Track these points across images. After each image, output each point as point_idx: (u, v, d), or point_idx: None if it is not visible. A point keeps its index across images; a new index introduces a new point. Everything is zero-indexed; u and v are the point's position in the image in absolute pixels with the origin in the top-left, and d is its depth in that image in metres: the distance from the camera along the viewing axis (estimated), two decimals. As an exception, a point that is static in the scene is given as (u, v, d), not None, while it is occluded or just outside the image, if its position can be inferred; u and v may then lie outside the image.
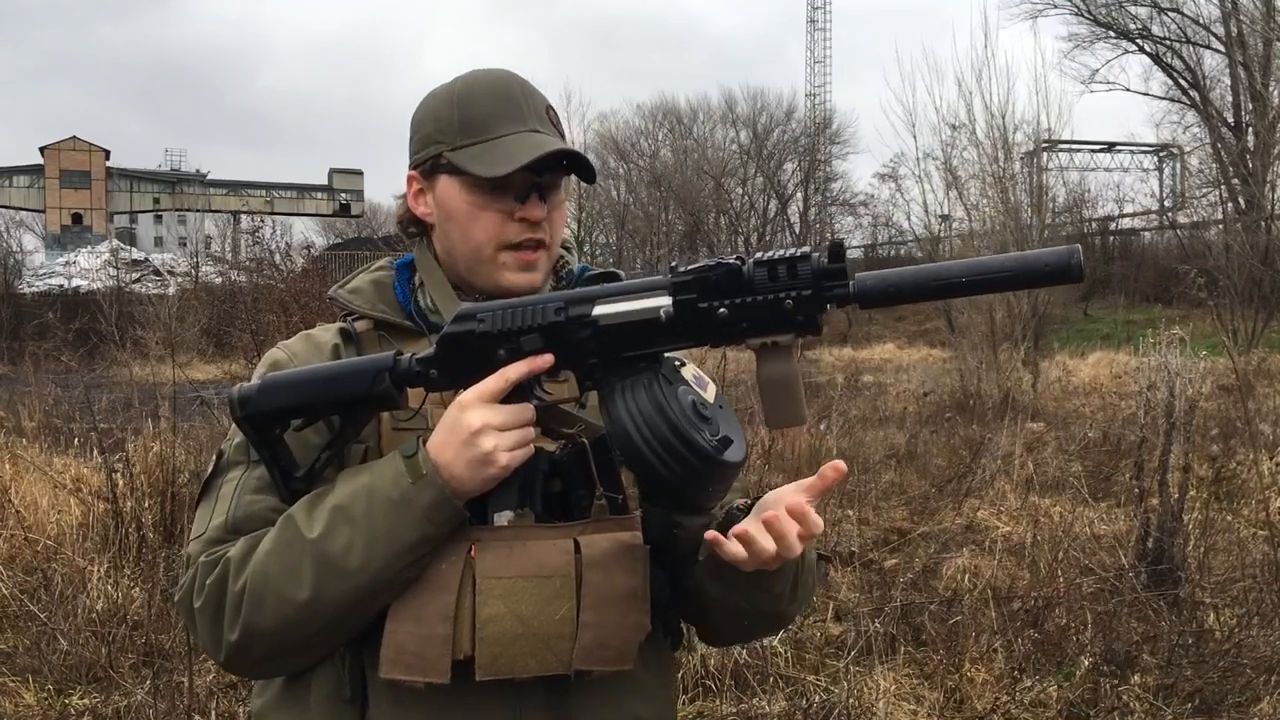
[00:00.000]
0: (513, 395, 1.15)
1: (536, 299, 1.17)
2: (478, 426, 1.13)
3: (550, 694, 1.21)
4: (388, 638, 1.16)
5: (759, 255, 1.09)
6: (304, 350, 1.34)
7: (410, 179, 1.37)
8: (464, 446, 1.13)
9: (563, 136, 1.34)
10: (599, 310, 1.13)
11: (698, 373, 1.20)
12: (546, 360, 1.14)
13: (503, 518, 1.19)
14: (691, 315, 1.10)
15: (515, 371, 1.14)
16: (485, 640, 1.15)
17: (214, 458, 1.30)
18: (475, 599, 1.16)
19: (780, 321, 1.08)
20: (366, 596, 1.16)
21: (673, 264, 1.14)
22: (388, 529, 1.15)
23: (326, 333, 1.37)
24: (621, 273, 1.27)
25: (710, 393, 1.18)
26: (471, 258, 1.32)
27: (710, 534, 1.13)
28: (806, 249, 1.09)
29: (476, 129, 1.29)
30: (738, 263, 1.09)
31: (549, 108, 1.35)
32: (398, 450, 1.19)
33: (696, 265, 1.11)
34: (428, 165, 1.33)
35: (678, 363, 1.17)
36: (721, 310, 1.09)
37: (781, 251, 1.09)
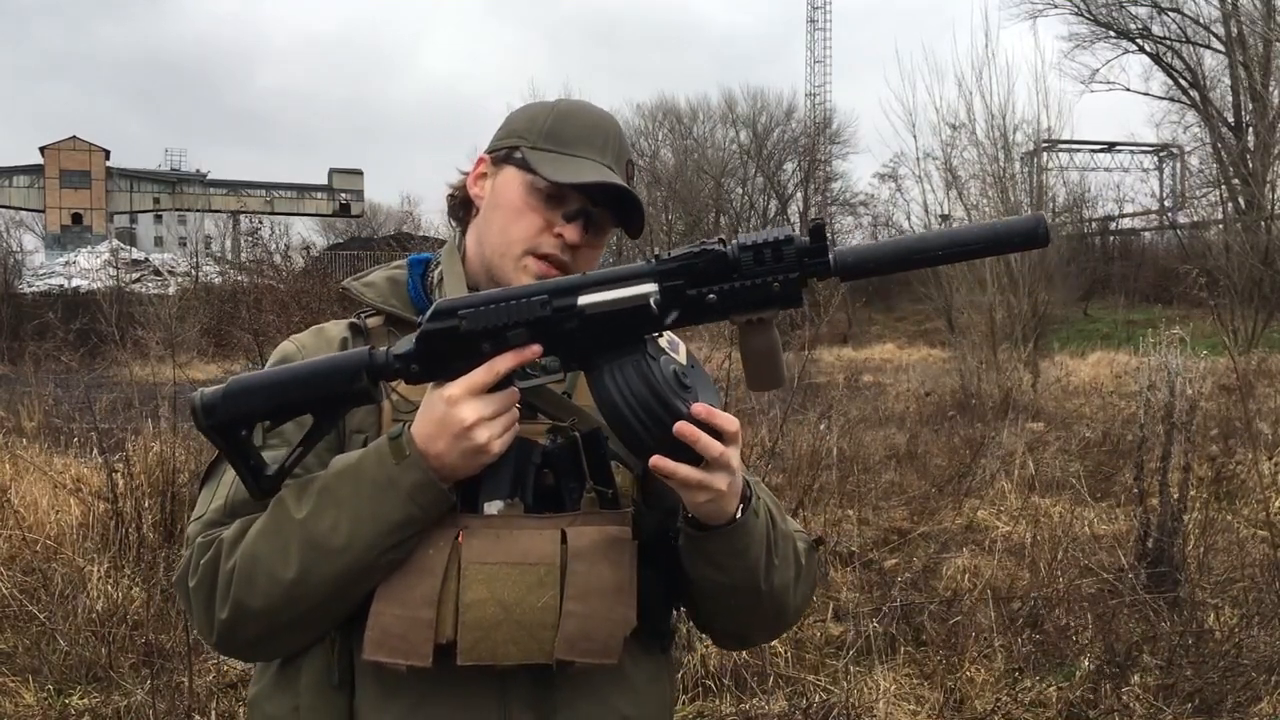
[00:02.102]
0: (498, 383, 1.17)
1: (519, 291, 1.17)
2: (471, 421, 1.14)
3: (535, 686, 1.22)
4: (373, 619, 1.17)
5: (742, 239, 1.12)
6: (313, 344, 1.36)
7: (480, 160, 1.41)
8: (457, 440, 1.15)
9: (632, 189, 1.38)
10: (585, 300, 1.14)
11: (672, 337, 1.23)
12: (535, 351, 1.15)
13: (493, 507, 1.21)
14: (680, 301, 1.13)
15: (503, 364, 1.15)
16: (467, 625, 1.16)
17: None
18: (459, 583, 1.17)
19: (766, 300, 1.12)
20: (352, 577, 1.17)
21: (656, 252, 1.15)
22: (373, 509, 1.16)
23: (337, 327, 1.39)
24: None
25: (682, 354, 1.22)
26: (499, 250, 1.34)
27: (654, 460, 1.13)
28: (790, 231, 1.11)
29: (560, 141, 1.34)
30: (722, 248, 1.12)
31: (631, 163, 1.40)
32: (385, 434, 1.20)
33: (681, 252, 1.13)
34: (501, 153, 1.37)
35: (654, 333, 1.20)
36: (710, 297, 1.12)
37: (765, 235, 1.11)
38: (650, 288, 1.13)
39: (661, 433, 1.12)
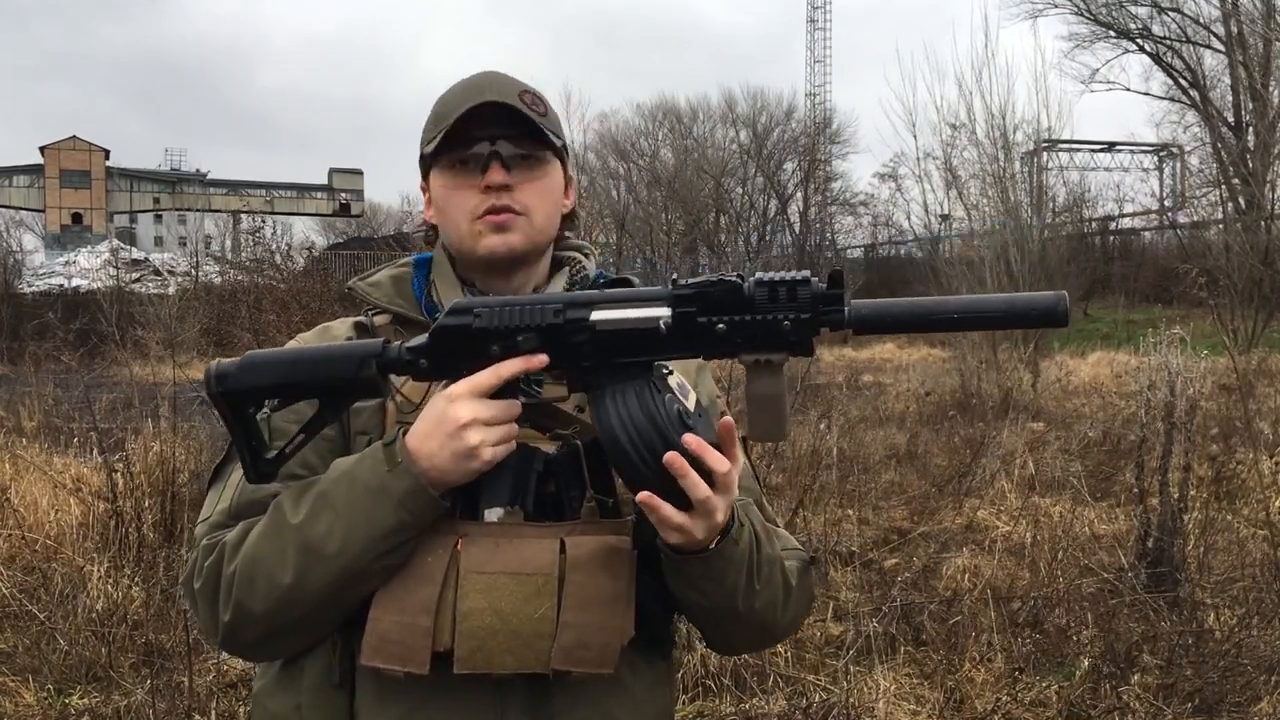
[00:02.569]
0: (501, 390, 1.16)
1: (536, 299, 1.17)
2: (466, 420, 1.14)
3: (532, 694, 1.22)
4: (371, 625, 1.18)
5: (759, 275, 1.12)
6: (317, 342, 1.37)
7: (422, 189, 1.43)
8: (449, 439, 1.14)
9: (543, 117, 1.35)
10: (597, 315, 1.14)
11: (681, 381, 1.22)
12: (541, 360, 1.15)
13: (493, 514, 1.21)
14: (690, 328, 1.12)
15: (509, 369, 1.15)
16: (464, 633, 1.16)
17: (227, 445, 1.32)
18: (457, 592, 1.17)
19: (775, 341, 1.11)
20: (347, 582, 1.17)
21: (673, 276, 1.16)
22: (365, 515, 1.16)
23: (343, 325, 1.40)
24: (635, 279, 1.28)
25: (691, 401, 1.21)
26: (457, 237, 1.36)
27: (642, 495, 1.12)
28: (807, 273, 1.11)
29: (442, 121, 1.33)
30: (739, 280, 1.11)
31: (525, 91, 1.35)
32: (382, 439, 1.20)
33: (698, 280, 1.13)
34: (423, 171, 1.40)
35: (666, 370, 1.19)
36: (720, 326, 1.11)
37: (783, 274, 1.11)
38: (663, 311, 1.12)
39: (656, 464, 1.11)
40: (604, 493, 1.24)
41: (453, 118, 1.30)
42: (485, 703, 1.21)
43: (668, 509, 1.12)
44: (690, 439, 1.12)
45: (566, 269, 1.42)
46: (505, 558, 1.18)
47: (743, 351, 1.12)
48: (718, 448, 1.14)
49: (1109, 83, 36.88)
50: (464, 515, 1.21)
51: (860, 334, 1.13)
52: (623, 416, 1.12)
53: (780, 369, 1.13)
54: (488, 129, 1.31)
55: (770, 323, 1.10)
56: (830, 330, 1.11)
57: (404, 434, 1.18)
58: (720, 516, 1.15)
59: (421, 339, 1.19)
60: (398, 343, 1.20)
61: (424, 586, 1.17)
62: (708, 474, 1.12)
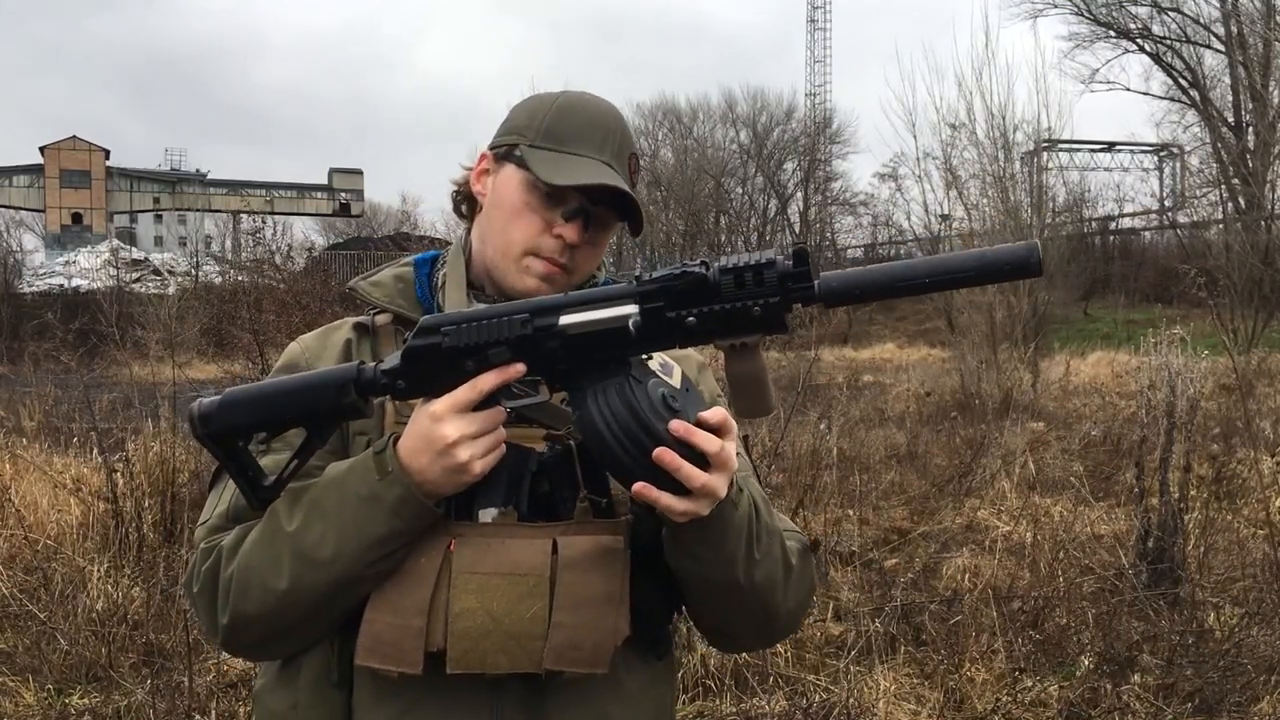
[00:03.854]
0: (484, 400, 1.16)
1: (502, 309, 1.16)
2: (453, 438, 1.14)
3: (526, 693, 1.22)
4: (365, 626, 1.19)
5: (724, 262, 1.10)
6: (317, 346, 1.38)
7: (482, 156, 1.40)
8: (439, 456, 1.15)
9: (633, 186, 1.36)
10: (566, 320, 1.13)
11: (664, 359, 1.21)
12: (518, 370, 1.15)
13: (487, 515, 1.21)
14: (660, 324, 1.11)
15: (487, 382, 1.15)
16: (456, 634, 1.16)
17: None
18: (449, 593, 1.17)
19: (748, 325, 1.10)
20: (341, 587, 1.18)
21: (637, 273, 1.14)
22: (356, 523, 1.17)
23: (343, 328, 1.40)
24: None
25: (676, 377, 1.19)
26: (500, 251, 1.34)
27: (638, 486, 1.11)
28: (771, 254, 1.09)
29: (558, 138, 1.33)
30: (703, 270, 1.10)
31: (634, 155, 1.38)
32: (371, 446, 1.21)
33: (662, 274, 1.11)
34: (502, 150, 1.36)
35: (644, 355, 1.18)
36: (690, 320, 1.10)
37: (747, 258, 1.09)
38: (631, 309, 1.11)
39: (644, 458, 1.09)
40: (598, 492, 1.24)
41: (574, 178, 1.28)
42: (480, 702, 1.22)
43: (667, 498, 1.11)
44: (677, 425, 1.10)
45: None
46: (497, 558, 1.18)
47: (716, 338, 1.11)
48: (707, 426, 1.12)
49: (1109, 83, 36.96)
50: (458, 515, 1.21)
51: (832, 306, 1.12)
52: (605, 415, 1.11)
53: (756, 349, 1.12)
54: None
55: (739, 309, 1.09)
56: (803, 306, 1.11)
57: (394, 442, 1.18)
58: (722, 494, 1.13)
59: (395, 359, 1.18)
60: (371, 364, 1.20)
61: (417, 588, 1.18)
62: (700, 456, 1.10)
